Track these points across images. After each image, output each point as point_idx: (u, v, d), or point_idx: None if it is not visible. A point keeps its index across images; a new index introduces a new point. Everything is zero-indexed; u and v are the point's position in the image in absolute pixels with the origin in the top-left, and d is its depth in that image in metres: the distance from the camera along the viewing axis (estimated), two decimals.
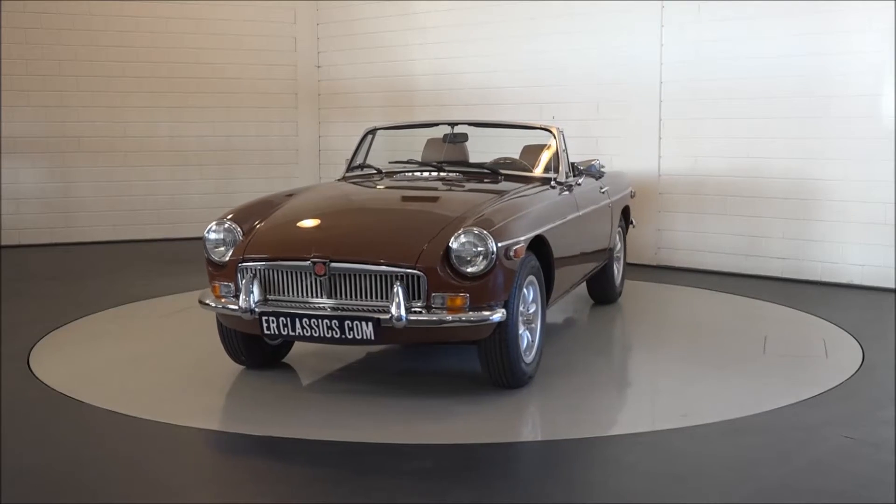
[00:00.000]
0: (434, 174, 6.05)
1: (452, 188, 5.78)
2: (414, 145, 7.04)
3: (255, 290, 4.72)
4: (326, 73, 11.43)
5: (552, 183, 5.92)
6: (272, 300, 4.75)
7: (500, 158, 6.53)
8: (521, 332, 4.86)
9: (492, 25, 9.84)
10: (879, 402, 4.82)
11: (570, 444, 4.26)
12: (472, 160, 6.47)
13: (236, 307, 4.74)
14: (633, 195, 7.69)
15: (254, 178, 10.87)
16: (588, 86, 9.17)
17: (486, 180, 5.92)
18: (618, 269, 7.30)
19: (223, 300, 4.88)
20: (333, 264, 4.60)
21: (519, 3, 9.58)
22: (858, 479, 3.79)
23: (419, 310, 4.53)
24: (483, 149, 7.00)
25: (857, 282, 7.83)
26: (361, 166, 6.38)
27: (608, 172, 7.13)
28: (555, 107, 9.14)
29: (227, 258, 4.91)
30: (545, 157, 6.21)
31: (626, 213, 7.46)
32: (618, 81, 8.97)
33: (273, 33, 11.27)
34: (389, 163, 6.43)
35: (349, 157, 6.52)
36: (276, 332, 4.68)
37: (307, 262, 4.64)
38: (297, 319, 4.60)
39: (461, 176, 5.97)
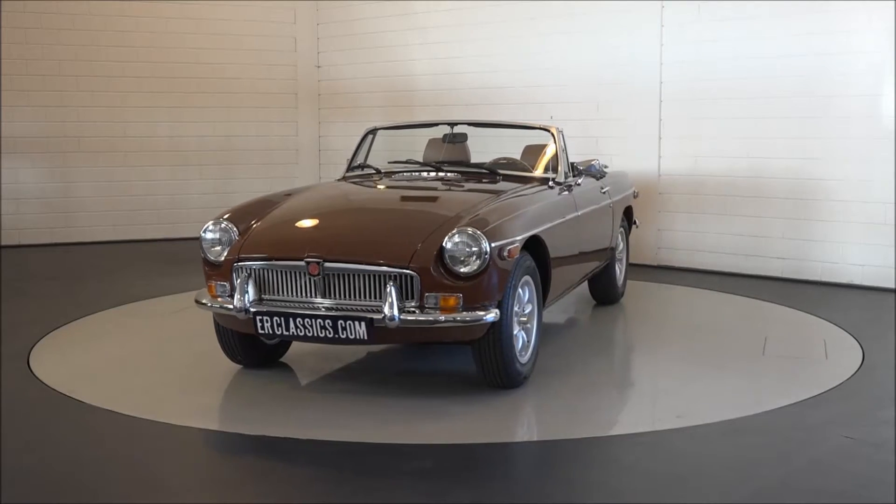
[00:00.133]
0: (433, 174, 6.06)
1: (450, 188, 5.78)
2: (414, 145, 7.04)
3: (250, 289, 4.73)
4: (326, 73, 11.43)
5: (550, 183, 5.91)
6: (267, 300, 4.76)
7: (499, 158, 6.53)
8: (516, 332, 4.86)
9: (492, 25, 9.84)
10: (879, 402, 4.82)
11: (570, 444, 4.26)
12: (473, 160, 6.48)
13: (231, 306, 4.76)
14: (636, 195, 7.68)
15: (254, 178, 10.87)
16: (588, 86, 9.17)
17: (484, 180, 5.92)
18: (620, 270, 7.29)
19: (219, 300, 4.89)
20: (327, 264, 4.61)
21: (519, 3, 9.58)
22: (858, 479, 3.79)
23: (413, 310, 4.53)
24: (485, 149, 7.01)
25: (857, 282, 7.83)
26: (361, 166, 6.39)
27: (611, 172, 7.13)
28: (555, 107, 9.13)
29: (223, 258, 4.92)
30: (544, 157, 6.21)
31: (628, 213, 7.45)
32: (618, 81, 8.97)
33: (273, 33, 11.27)
34: (389, 163, 6.44)
35: (350, 156, 6.52)
36: (271, 332, 4.70)
37: (301, 262, 4.65)
38: (290, 319, 4.61)
39: (459, 176, 5.97)
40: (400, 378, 5.32)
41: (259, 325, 4.68)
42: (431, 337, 4.72)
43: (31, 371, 5.34)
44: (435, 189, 5.82)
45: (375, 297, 4.58)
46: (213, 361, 5.39)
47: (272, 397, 4.90)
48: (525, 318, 5.02)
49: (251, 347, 5.28)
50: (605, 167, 7.11)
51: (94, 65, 10.49)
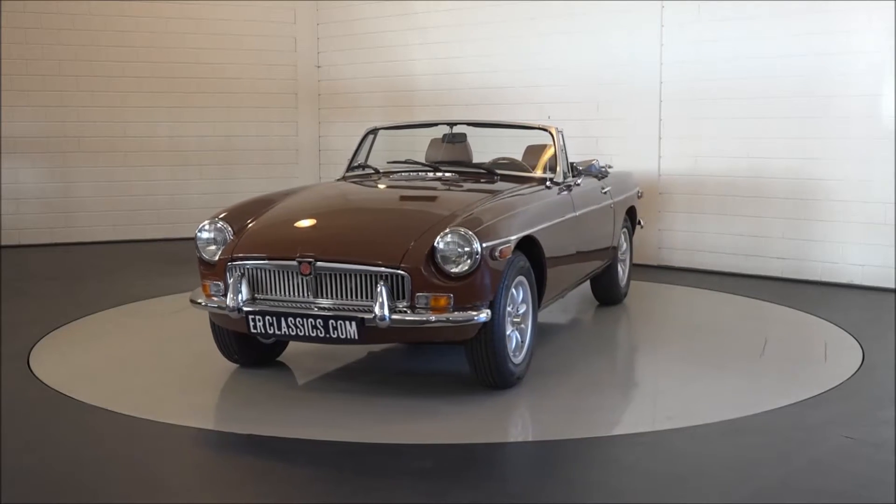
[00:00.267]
0: (431, 174, 6.06)
1: (446, 188, 5.78)
2: (414, 145, 7.04)
3: (244, 289, 4.74)
4: (326, 73, 11.43)
5: (548, 183, 5.90)
6: (260, 299, 4.77)
7: (498, 158, 6.53)
8: (509, 332, 4.85)
9: (492, 25, 9.84)
10: (879, 402, 4.82)
11: (570, 444, 4.26)
12: (474, 160, 6.47)
13: (224, 306, 4.77)
14: (640, 195, 7.68)
15: (254, 178, 10.86)
16: (588, 86, 9.17)
17: (482, 180, 5.92)
18: (623, 270, 7.28)
19: (213, 299, 4.91)
20: (319, 263, 4.62)
21: (519, 3, 9.58)
22: (858, 479, 3.79)
23: (404, 310, 4.53)
24: (485, 149, 7.00)
25: (857, 282, 7.83)
26: (361, 166, 6.39)
27: (614, 172, 7.13)
28: (555, 107, 9.13)
29: (218, 257, 4.94)
30: (543, 157, 6.20)
31: (631, 213, 7.44)
32: (618, 81, 8.97)
33: (273, 33, 11.27)
34: (388, 163, 6.44)
35: (350, 156, 6.52)
36: (263, 331, 4.71)
37: (293, 262, 4.66)
38: (282, 318, 4.62)
39: (457, 176, 5.97)
40: (399, 378, 5.32)
41: (251, 324, 4.69)
42: (423, 337, 4.73)
43: (31, 371, 5.34)
44: (431, 189, 5.82)
45: (367, 297, 4.58)
46: (213, 361, 5.39)
47: (271, 397, 4.90)
48: (519, 319, 5.01)
49: (247, 346, 5.29)
50: (610, 167, 7.11)
51: (94, 65, 10.49)
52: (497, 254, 4.65)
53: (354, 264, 4.59)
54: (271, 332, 4.68)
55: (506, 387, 4.90)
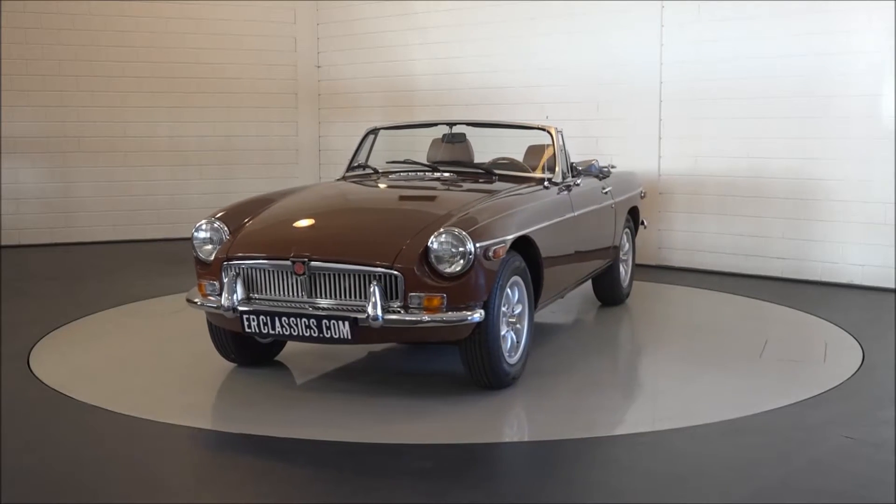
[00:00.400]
0: (430, 174, 6.06)
1: (444, 188, 5.78)
2: (414, 145, 7.05)
3: (239, 288, 4.75)
4: (326, 73, 11.43)
5: (546, 183, 5.90)
6: (255, 299, 4.78)
7: (498, 158, 6.53)
8: (504, 332, 4.84)
9: (492, 25, 9.84)
10: (879, 402, 4.82)
11: (570, 444, 4.26)
12: (476, 160, 6.47)
13: (219, 305, 4.77)
14: (643, 196, 7.67)
15: (254, 178, 10.85)
16: (588, 86, 9.17)
17: (480, 180, 5.92)
18: (625, 271, 7.27)
19: (210, 298, 4.92)
20: (313, 263, 4.62)
21: (519, 3, 9.58)
22: (858, 479, 3.79)
23: (397, 310, 4.53)
24: (485, 149, 7.00)
25: (857, 282, 7.83)
26: (361, 166, 6.40)
27: (616, 172, 7.12)
28: (555, 107, 9.14)
29: (213, 257, 4.94)
30: (544, 157, 6.20)
31: (634, 214, 7.43)
32: (618, 81, 8.97)
33: (273, 33, 11.27)
34: (387, 163, 6.45)
35: (351, 156, 6.52)
36: (257, 331, 4.72)
37: (287, 262, 4.66)
38: (276, 318, 4.62)
39: (456, 176, 5.97)
40: (399, 378, 5.32)
41: (246, 323, 4.70)
42: (417, 337, 4.74)
43: (31, 371, 5.34)
44: (428, 189, 5.82)
45: (361, 297, 4.58)
46: (213, 361, 5.39)
47: (270, 397, 4.91)
48: (514, 319, 5.00)
49: (244, 346, 5.30)
50: (614, 167, 7.11)
51: (94, 65, 10.49)
52: (491, 254, 4.64)
53: (348, 264, 4.59)
54: (265, 331, 4.69)
55: (500, 387, 4.89)
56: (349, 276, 4.60)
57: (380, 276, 4.54)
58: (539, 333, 6.11)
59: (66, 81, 10.41)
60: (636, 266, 7.71)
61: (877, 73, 7.60)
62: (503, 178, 5.90)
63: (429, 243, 4.57)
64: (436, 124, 6.86)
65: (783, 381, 5.24)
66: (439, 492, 3.68)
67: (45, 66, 10.31)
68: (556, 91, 9.35)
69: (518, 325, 5.04)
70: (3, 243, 10.07)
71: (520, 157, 6.42)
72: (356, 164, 6.41)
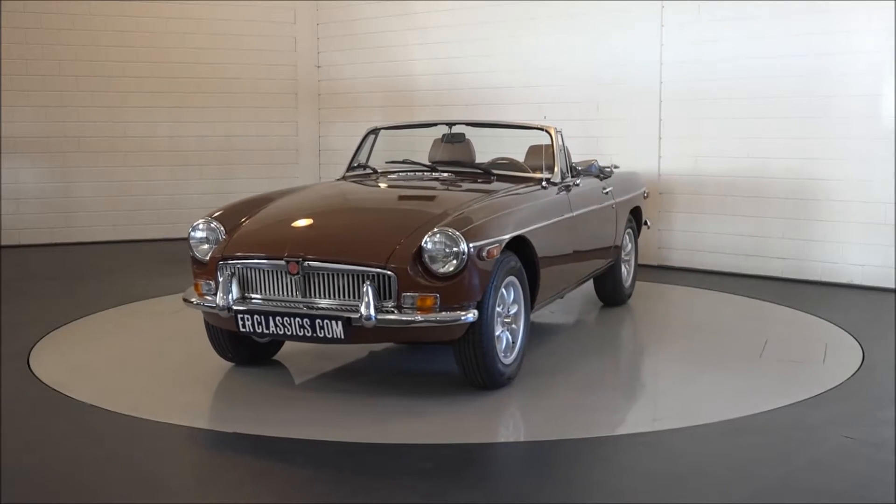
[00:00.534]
0: (428, 174, 6.06)
1: (441, 188, 5.77)
2: (414, 145, 7.05)
3: (234, 288, 4.76)
4: (326, 73, 11.43)
5: (544, 183, 5.89)
6: (250, 298, 4.78)
7: (497, 158, 6.53)
8: (498, 332, 4.84)
9: (492, 25, 9.84)
10: (879, 402, 4.82)
11: (570, 444, 4.25)
12: (477, 160, 6.47)
13: (215, 305, 4.78)
14: (646, 196, 7.67)
15: (254, 178, 10.85)
16: (588, 86, 9.17)
17: (479, 180, 5.92)
18: (627, 271, 7.26)
19: (206, 298, 4.92)
20: (307, 263, 4.62)
21: (519, 3, 9.58)
22: (858, 479, 3.79)
23: (390, 310, 4.53)
24: (486, 149, 7.00)
25: (857, 282, 7.83)
26: (361, 166, 6.40)
27: (618, 172, 7.12)
28: (555, 107, 9.13)
29: (209, 256, 4.95)
30: (541, 157, 6.19)
31: (636, 214, 7.42)
32: (618, 81, 8.97)
33: (273, 33, 11.27)
34: (386, 163, 6.45)
35: (351, 156, 6.52)
36: (252, 330, 4.72)
37: (281, 261, 4.67)
38: (270, 317, 4.63)
39: (454, 176, 5.97)
40: (398, 378, 5.32)
41: (240, 323, 4.70)
42: (409, 337, 4.74)
43: (31, 371, 5.34)
44: (426, 189, 5.82)
45: (355, 297, 4.58)
46: (213, 361, 5.39)
47: (269, 397, 4.90)
48: (510, 319, 4.99)
49: (241, 345, 5.30)
50: (616, 167, 7.10)
51: (94, 65, 10.49)
52: (485, 254, 4.63)
53: (342, 264, 4.60)
54: (260, 331, 4.70)
55: (495, 387, 4.88)
56: (343, 275, 4.60)
57: (373, 275, 4.55)
58: (538, 334, 6.12)
59: (66, 81, 10.41)
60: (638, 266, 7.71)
61: (877, 73, 7.60)
62: (502, 179, 5.89)
63: (422, 243, 4.57)
64: (436, 124, 6.86)
65: (783, 381, 5.24)
66: (439, 492, 3.68)
67: (45, 66, 10.31)
68: (555, 91, 9.35)
69: (514, 326, 5.03)
70: (3, 243, 10.07)
71: (520, 158, 6.41)
72: (356, 164, 6.41)
